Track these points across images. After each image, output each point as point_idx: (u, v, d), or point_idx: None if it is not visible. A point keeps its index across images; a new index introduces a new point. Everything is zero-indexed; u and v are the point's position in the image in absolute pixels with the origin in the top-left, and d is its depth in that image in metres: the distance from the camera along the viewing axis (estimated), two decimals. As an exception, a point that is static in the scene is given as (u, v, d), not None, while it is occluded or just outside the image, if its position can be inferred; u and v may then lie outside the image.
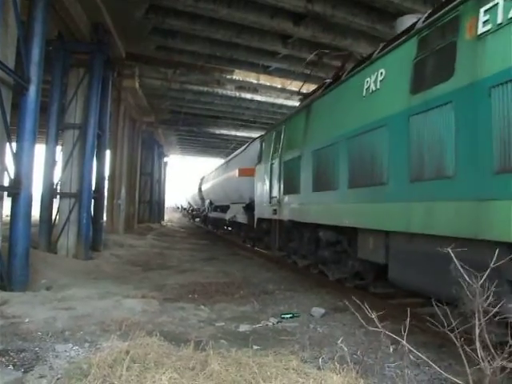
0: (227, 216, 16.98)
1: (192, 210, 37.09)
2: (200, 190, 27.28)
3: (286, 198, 8.44)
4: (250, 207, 12.52)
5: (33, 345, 4.07)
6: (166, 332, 4.56)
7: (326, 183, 6.63)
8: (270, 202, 9.34)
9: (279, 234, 9.12)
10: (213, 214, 22.57)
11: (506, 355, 2.70)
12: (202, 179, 27.70)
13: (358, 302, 3.66)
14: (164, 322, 5.10)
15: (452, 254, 2.93)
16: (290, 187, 8.23)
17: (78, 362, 3.52)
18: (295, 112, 8.77)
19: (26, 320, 4.86)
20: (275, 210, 8.97)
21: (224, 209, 18.31)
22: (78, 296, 6.18)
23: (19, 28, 6.32)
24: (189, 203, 39.10)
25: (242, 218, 14.04)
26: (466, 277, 2.82)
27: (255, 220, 10.93)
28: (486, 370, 2.69)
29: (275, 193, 9.06)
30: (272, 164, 9.41)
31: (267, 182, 9.67)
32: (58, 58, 9.99)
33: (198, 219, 33.93)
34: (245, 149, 15.30)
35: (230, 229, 20.83)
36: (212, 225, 25.81)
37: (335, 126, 6.48)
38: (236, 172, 14.38)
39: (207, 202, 23.71)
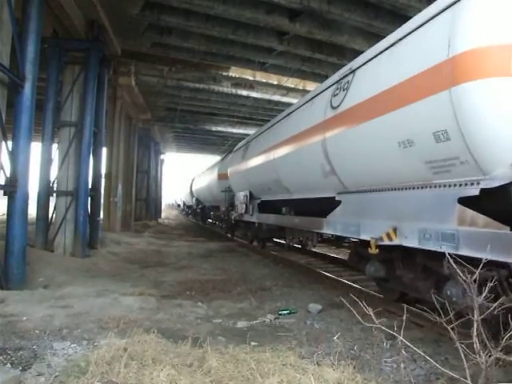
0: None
1: (202, 209, 26.88)
2: (222, 177, 16.58)
3: None
4: None
5: (30, 343, 4.06)
6: (163, 329, 4.56)
7: None
8: None
9: None
10: (263, 219, 10.68)
11: (500, 348, 2.73)
12: (222, 160, 18.58)
13: (355, 298, 3.69)
14: (162, 319, 5.10)
15: (447, 253, 2.93)
16: None
17: (76, 359, 3.53)
18: None
19: (24, 318, 4.85)
20: None
21: (307, 208, 7.82)
22: (75, 294, 6.17)
23: (14, 25, 6.28)
24: (196, 199, 28.45)
25: None
26: (460, 272, 2.84)
27: None
28: (482, 365, 2.71)
29: None
30: None
31: None
32: (53, 55, 9.93)
33: (217, 223, 22.86)
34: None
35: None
36: (260, 239, 12.99)
37: None
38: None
39: (241, 196, 12.40)
